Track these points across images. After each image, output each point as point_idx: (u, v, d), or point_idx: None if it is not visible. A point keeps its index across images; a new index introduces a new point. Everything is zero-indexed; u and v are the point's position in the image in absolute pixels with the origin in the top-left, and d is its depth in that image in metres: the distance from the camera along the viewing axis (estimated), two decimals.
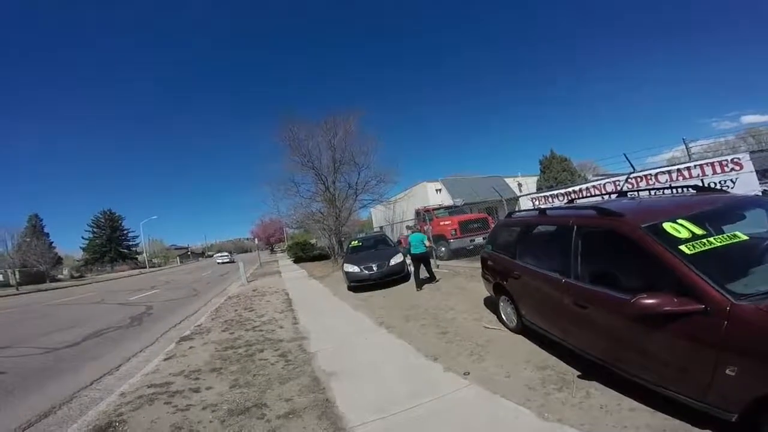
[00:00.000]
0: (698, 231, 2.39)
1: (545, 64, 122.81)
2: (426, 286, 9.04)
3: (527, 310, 4.20)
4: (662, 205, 3.15)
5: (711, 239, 2.33)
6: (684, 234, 2.37)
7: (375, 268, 9.75)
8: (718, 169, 6.70)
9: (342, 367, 4.48)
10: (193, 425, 3.38)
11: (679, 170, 7.44)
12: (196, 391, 4.24)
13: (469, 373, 3.74)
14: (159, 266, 60.31)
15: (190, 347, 6.25)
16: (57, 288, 28.14)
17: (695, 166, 7.19)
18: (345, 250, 14.09)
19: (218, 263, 41.60)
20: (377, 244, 12.26)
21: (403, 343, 5.06)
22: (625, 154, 8.04)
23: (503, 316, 4.93)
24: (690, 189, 3.83)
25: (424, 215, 16.40)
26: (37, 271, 37.08)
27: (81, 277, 44.91)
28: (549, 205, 8.81)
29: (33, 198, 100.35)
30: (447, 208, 18.61)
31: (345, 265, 10.44)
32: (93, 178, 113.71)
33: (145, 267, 52.33)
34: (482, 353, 4.25)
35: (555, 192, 9.58)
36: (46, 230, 50.75)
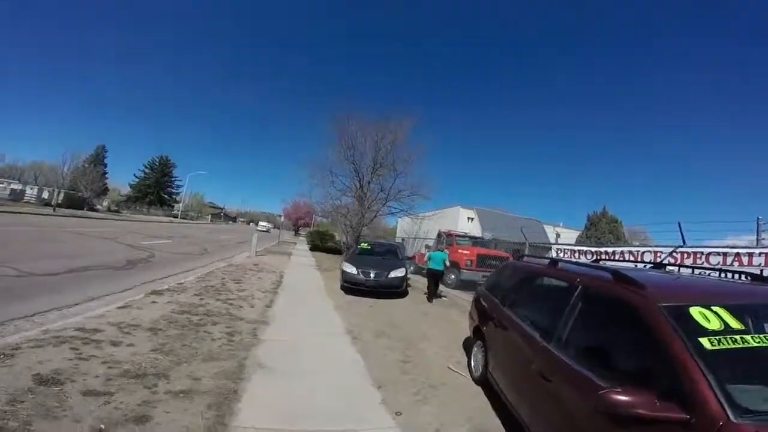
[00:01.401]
0: (735, 324, 1.87)
1: (615, 118, 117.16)
2: (419, 307, 8.51)
3: (494, 363, 3.56)
4: (700, 286, 2.61)
5: (747, 337, 1.80)
6: (713, 325, 1.86)
7: (372, 276, 9.21)
8: None
9: (280, 363, 4.08)
10: (75, 376, 3.08)
11: (738, 254, 6.29)
12: (116, 344, 3.98)
13: (400, 414, 3.14)
14: (191, 219, 62.98)
15: (153, 302, 6.06)
16: (89, 217, 28.80)
17: (760, 253, 6.03)
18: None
19: (257, 230, 48.87)
20: (386, 253, 11.73)
21: (357, 359, 4.51)
22: (679, 224, 6.98)
23: (472, 362, 4.31)
24: (745, 276, 3.12)
25: (444, 239, 15.69)
26: (80, 197, 38.81)
27: (117, 212, 46.59)
28: (574, 260, 7.90)
29: (103, 130, 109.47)
30: (473, 238, 17.71)
31: (344, 263, 10.01)
32: (165, 124, 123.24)
33: (177, 217, 54.85)
34: (429, 396, 3.62)
35: (584, 248, 8.59)
36: (106, 161, 53.83)
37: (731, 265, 6.15)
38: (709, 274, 3.50)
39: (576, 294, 2.64)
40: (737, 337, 1.78)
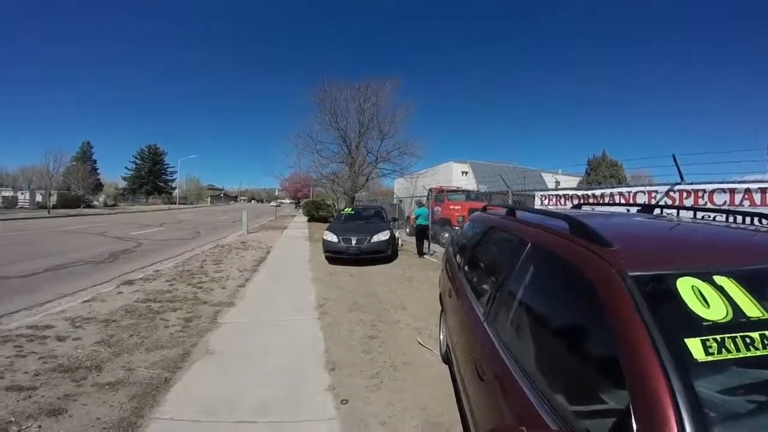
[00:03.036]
0: (750, 310, 1.00)
1: (609, 60, 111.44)
2: (405, 272, 8.25)
3: (449, 341, 2.96)
4: (698, 240, 1.60)
5: None
6: (714, 311, 1.00)
7: (353, 242, 8.81)
8: None
9: (229, 348, 3.85)
10: (5, 373, 3.11)
11: (748, 191, 5.17)
12: (62, 339, 3.93)
13: (346, 403, 2.80)
14: (191, 203, 62.94)
15: (119, 293, 5.91)
16: (84, 215, 28.39)
17: None
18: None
19: (271, 206, 52.29)
20: (371, 217, 11.28)
21: (319, 337, 4.19)
22: (674, 156, 6.02)
23: (440, 335, 3.76)
24: (762, 219, 2.01)
25: (435, 195, 15.15)
26: (74, 196, 38.76)
27: (114, 206, 46.57)
28: (559, 208, 7.31)
29: (91, 125, 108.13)
30: (465, 191, 17.14)
31: (326, 232, 9.60)
32: (149, 114, 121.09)
33: (175, 203, 54.71)
34: (386, 379, 3.23)
35: (570, 192, 7.70)
36: (94, 157, 53.36)
37: (740, 205, 5.22)
38: (714, 218, 2.50)
39: (524, 255, 1.84)
40: (755, 335, 0.92)
